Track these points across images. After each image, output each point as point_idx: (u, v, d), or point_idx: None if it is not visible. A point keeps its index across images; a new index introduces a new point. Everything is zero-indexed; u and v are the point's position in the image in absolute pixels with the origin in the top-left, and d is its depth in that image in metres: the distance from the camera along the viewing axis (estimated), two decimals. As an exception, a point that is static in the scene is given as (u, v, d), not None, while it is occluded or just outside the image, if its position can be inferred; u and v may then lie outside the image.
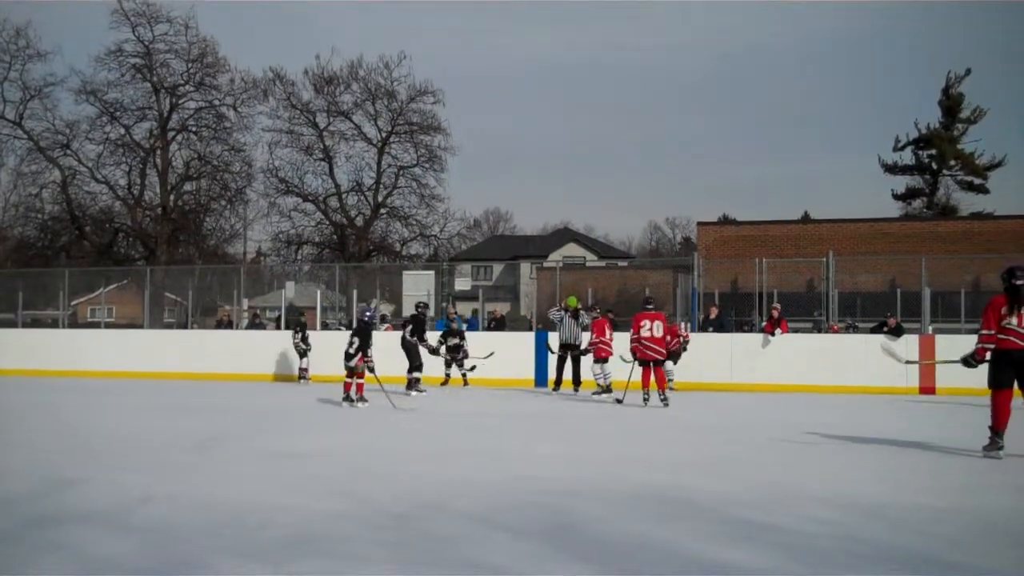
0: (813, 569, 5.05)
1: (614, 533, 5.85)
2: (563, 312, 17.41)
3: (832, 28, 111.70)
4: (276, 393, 16.96)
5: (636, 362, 14.74)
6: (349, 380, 14.47)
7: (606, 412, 13.91)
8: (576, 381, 17.10)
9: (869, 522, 6.23)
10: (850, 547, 5.54)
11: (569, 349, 17.20)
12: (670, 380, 17.42)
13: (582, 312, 17.52)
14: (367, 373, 14.50)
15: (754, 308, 21.04)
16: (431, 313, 22.97)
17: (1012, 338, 9.13)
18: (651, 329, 14.51)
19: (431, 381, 17.61)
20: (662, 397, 14.33)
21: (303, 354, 19.43)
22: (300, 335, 19.40)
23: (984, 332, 9.34)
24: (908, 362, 11.00)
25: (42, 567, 5.05)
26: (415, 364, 16.78)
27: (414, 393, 16.25)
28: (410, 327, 17.02)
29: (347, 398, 14.43)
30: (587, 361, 16.80)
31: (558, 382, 17.24)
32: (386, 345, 16.72)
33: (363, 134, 42.38)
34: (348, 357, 14.38)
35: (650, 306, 15.08)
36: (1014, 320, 9.12)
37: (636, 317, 14.78)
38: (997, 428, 9.29)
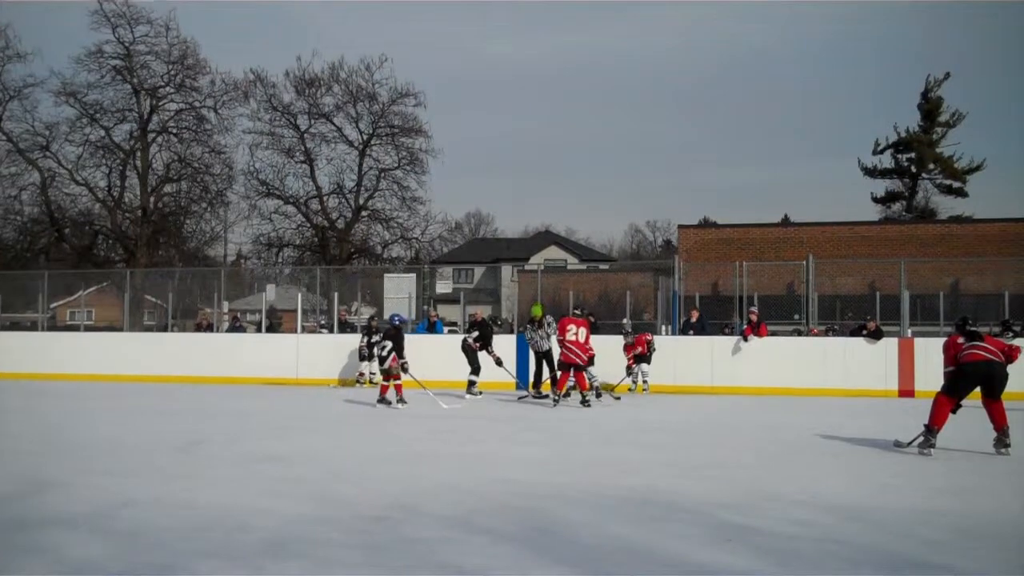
0: (793, 571, 5.07)
1: (592, 535, 5.87)
2: (529, 325, 17.25)
3: (812, 32, 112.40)
4: (256, 396, 16.89)
5: (558, 365, 15.34)
6: (386, 383, 14.88)
7: (584, 415, 13.91)
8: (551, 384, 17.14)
9: (849, 524, 6.26)
10: (830, 549, 5.57)
11: (543, 357, 17.06)
12: (645, 382, 17.63)
13: (547, 319, 17.30)
14: (403, 375, 14.89)
15: (734, 311, 21.08)
16: (412, 315, 22.99)
17: (975, 351, 9.80)
18: (576, 334, 14.83)
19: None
20: (584, 399, 14.72)
21: (364, 358, 19.08)
22: (367, 339, 18.98)
23: (946, 370, 10.11)
24: (900, 444, 11.08)
25: (23, 570, 5.04)
26: (474, 368, 16.85)
27: (468, 396, 16.51)
28: (476, 333, 17.12)
29: (383, 400, 14.80)
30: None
31: (536, 385, 17.21)
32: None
33: (344, 136, 42.28)
34: (382, 360, 14.88)
35: (577, 311, 15.71)
36: (977, 342, 9.88)
37: (562, 321, 15.27)
38: (932, 426, 9.78)
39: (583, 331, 14.97)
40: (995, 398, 9.89)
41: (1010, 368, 9.80)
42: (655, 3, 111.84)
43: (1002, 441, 9.89)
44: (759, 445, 10.68)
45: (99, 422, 13.01)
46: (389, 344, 14.80)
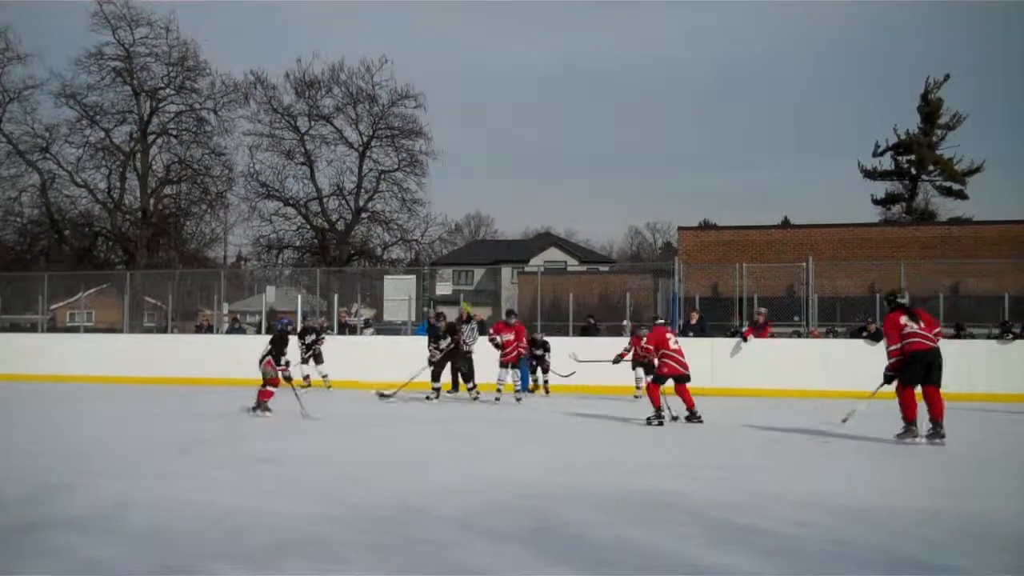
0: (794, 571, 5.08)
1: (596, 536, 5.87)
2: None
3: (812, 33, 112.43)
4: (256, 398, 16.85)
5: (655, 378, 13.13)
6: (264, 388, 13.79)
7: (586, 417, 13.92)
8: (455, 385, 17.31)
9: (849, 525, 6.27)
10: (830, 549, 5.58)
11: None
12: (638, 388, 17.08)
13: (472, 323, 17.08)
14: (283, 381, 13.89)
15: (735, 314, 21.08)
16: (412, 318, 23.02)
17: (918, 340, 10.42)
18: (676, 342, 13.16)
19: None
20: (693, 415, 12.88)
21: (303, 360, 18.78)
22: (302, 341, 18.75)
23: (892, 348, 10.65)
24: (847, 417, 11.84)
25: (29, 571, 5.05)
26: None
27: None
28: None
29: (260, 405, 13.77)
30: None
31: (454, 386, 17.14)
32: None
33: (344, 138, 42.43)
34: (259, 363, 13.92)
35: (660, 320, 13.91)
36: (915, 326, 10.49)
37: (658, 331, 13.20)
38: (909, 420, 10.44)
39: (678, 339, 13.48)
40: (935, 384, 10.33)
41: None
42: (655, 4, 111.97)
43: (937, 432, 10.22)
44: (759, 446, 10.70)
45: (99, 423, 13.03)
46: (268, 347, 13.93)
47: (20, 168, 38.23)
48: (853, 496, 7.35)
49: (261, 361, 13.86)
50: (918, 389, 10.44)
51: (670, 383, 12.96)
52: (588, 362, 17.12)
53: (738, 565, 5.18)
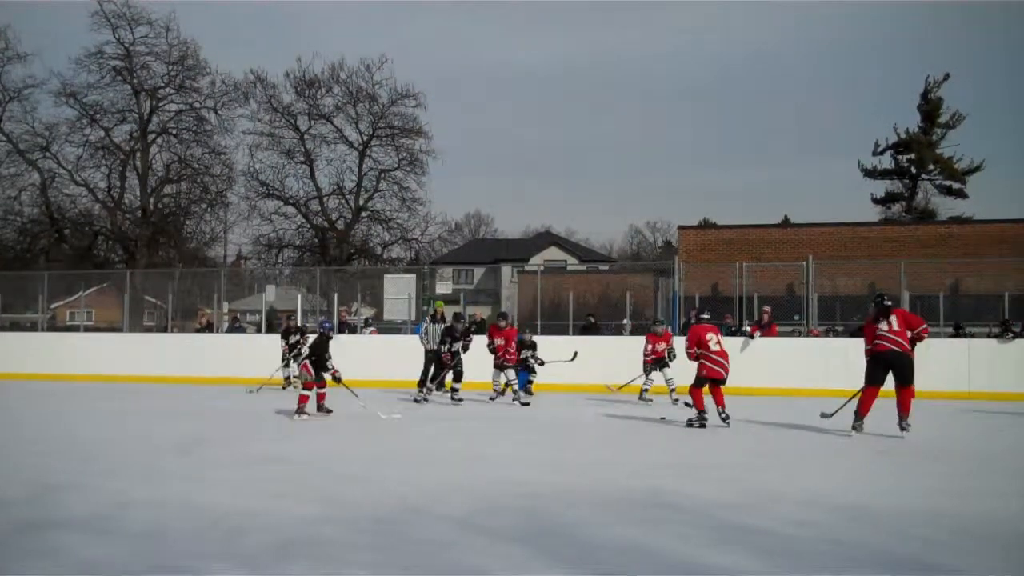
0: (793, 571, 5.09)
1: (595, 536, 5.88)
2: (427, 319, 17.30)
3: (812, 33, 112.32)
4: (257, 398, 16.87)
5: (696, 381, 12.62)
6: (304, 392, 13.42)
7: (586, 417, 13.92)
8: (439, 384, 16.94)
9: (849, 524, 6.28)
10: (830, 549, 5.60)
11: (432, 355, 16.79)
12: (672, 389, 16.55)
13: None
14: (332, 382, 13.60)
15: (734, 312, 21.05)
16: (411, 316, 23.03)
17: (883, 342, 11.15)
18: (719, 343, 12.59)
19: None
20: (724, 416, 12.49)
21: (285, 362, 18.60)
22: (285, 341, 18.60)
23: (866, 348, 11.48)
24: (826, 415, 12.12)
25: (29, 571, 5.06)
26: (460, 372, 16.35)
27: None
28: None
29: (300, 411, 13.26)
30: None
31: (422, 384, 16.69)
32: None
33: (344, 137, 42.39)
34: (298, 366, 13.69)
35: (705, 316, 13.19)
36: (884, 327, 11.17)
37: (697, 330, 12.73)
38: (861, 414, 11.19)
39: (721, 339, 12.80)
40: (905, 384, 11.07)
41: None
42: (655, 4, 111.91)
43: (901, 424, 11.03)
44: (759, 445, 10.71)
45: (99, 423, 13.01)
46: (306, 350, 13.66)
47: (20, 167, 38.24)
48: (853, 496, 7.36)
49: (298, 364, 13.70)
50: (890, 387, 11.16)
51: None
52: (629, 384, 17.05)
53: (738, 565, 5.18)
